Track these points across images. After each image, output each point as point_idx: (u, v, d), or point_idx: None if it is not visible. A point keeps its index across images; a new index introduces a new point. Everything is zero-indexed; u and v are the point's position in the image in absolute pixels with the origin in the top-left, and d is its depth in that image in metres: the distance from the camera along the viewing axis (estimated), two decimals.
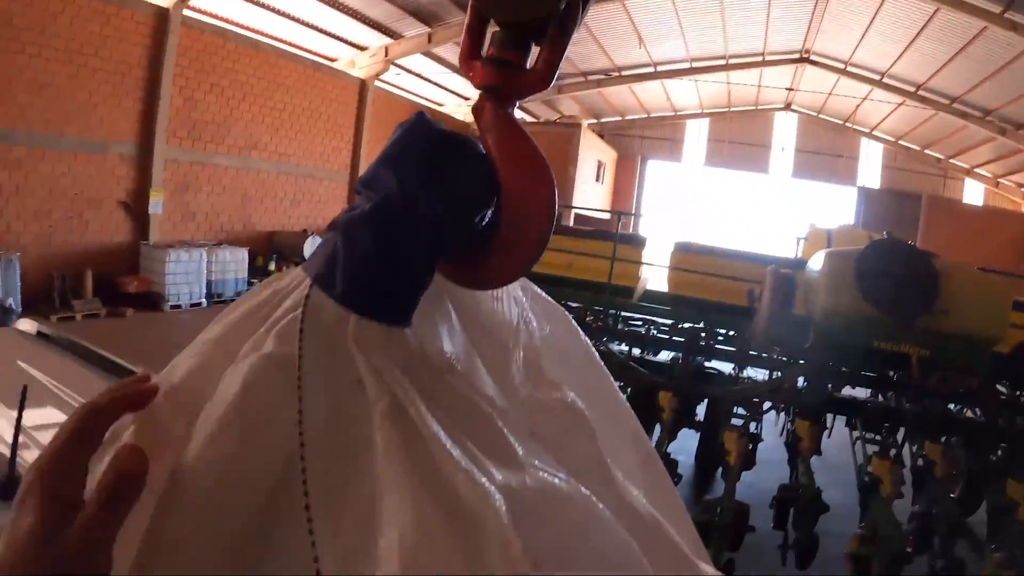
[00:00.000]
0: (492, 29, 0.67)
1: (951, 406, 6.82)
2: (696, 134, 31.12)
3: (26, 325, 2.80)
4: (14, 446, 1.55)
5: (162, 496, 0.52)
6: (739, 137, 30.38)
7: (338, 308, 0.58)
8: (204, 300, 13.45)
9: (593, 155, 26.77)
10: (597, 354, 0.84)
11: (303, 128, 17.18)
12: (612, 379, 0.85)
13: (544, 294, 0.84)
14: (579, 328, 0.85)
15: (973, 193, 28.14)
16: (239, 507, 0.54)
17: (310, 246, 15.47)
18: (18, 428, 1.55)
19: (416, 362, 0.60)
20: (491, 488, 0.53)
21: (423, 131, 0.62)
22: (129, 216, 13.07)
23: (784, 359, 6.96)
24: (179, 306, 12.93)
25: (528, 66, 0.66)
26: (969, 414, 6.86)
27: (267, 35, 15.88)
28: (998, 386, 7.20)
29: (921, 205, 27.75)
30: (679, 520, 0.81)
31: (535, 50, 0.66)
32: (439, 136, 0.62)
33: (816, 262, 6.51)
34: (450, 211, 0.61)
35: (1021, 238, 26.45)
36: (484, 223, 0.63)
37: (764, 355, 7.00)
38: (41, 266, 11.46)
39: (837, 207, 28.18)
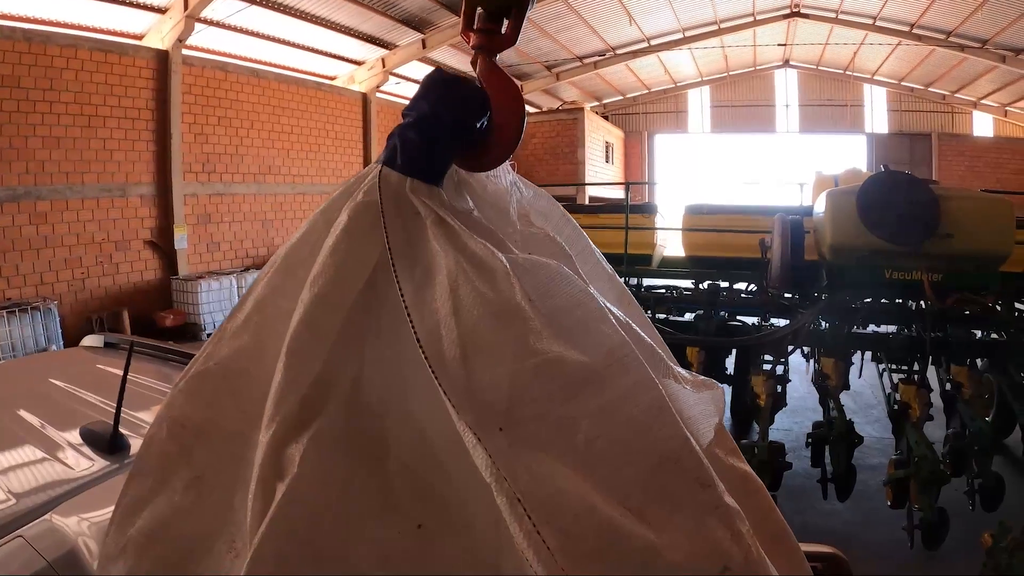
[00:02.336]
0: (479, 11, 1.08)
1: (975, 332, 6.94)
2: (699, 103, 31.10)
3: (92, 340, 3.08)
4: (118, 407, 1.79)
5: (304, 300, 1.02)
6: (742, 100, 30.32)
7: (399, 175, 1.00)
8: None
9: (600, 137, 26.84)
10: (571, 217, 1.25)
11: (313, 148, 17.52)
12: (586, 235, 1.25)
13: (529, 183, 1.25)
14: (554, 199, 1.25)
15: (982, 125, 27.83)
16: (352, 290, 1.00)
17: None
18: (123, 389, 1.79)
19: (448, 205, 1.03)
20: (498, 253, 0.95)
21: (439, 76, 1.04)
22: (157, 254, 13.46)
23: (802, 303, 7.10)
24: None
25: (503, 31, 1.07)
26: (994, 336, 6.96)
27: (266, 63, 16.23)
28: (1017, 304, 7.32)
29: (932, 144, 27.57)
30: (655, 339, 1.14)
31: (507, 22, 1.08)
32: (450, 78, 1.04)
33: (820, 205, 6.67)
34: (460, 119, 1.02)
35: None
36: (481, 128, 1.04)
37: (783, 302, 7.14)
38: (78, 311, 11.88)
39: (848, 156, 28.04)
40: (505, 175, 1.21)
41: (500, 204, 1.18)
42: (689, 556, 1.03)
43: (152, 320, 12.68)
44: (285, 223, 16.65)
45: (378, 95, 19.59)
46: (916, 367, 6.23)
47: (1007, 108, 26.46)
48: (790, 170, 27.28)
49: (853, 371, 6.65)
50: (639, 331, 1.14)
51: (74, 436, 1.90)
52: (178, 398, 1.14)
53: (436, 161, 1.03)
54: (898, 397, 5.84)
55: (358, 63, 18.49)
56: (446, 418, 1.05)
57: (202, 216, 14.46)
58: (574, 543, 1.04)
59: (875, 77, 28.06)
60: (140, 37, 13.28)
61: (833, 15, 22.40)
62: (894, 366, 6.52)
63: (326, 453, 1.06)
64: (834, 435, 5.62)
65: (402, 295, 1.04)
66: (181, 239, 13.79)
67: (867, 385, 7.06)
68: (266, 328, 1.26)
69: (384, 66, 18.61)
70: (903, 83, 27.59)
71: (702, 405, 1.51)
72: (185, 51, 13.66)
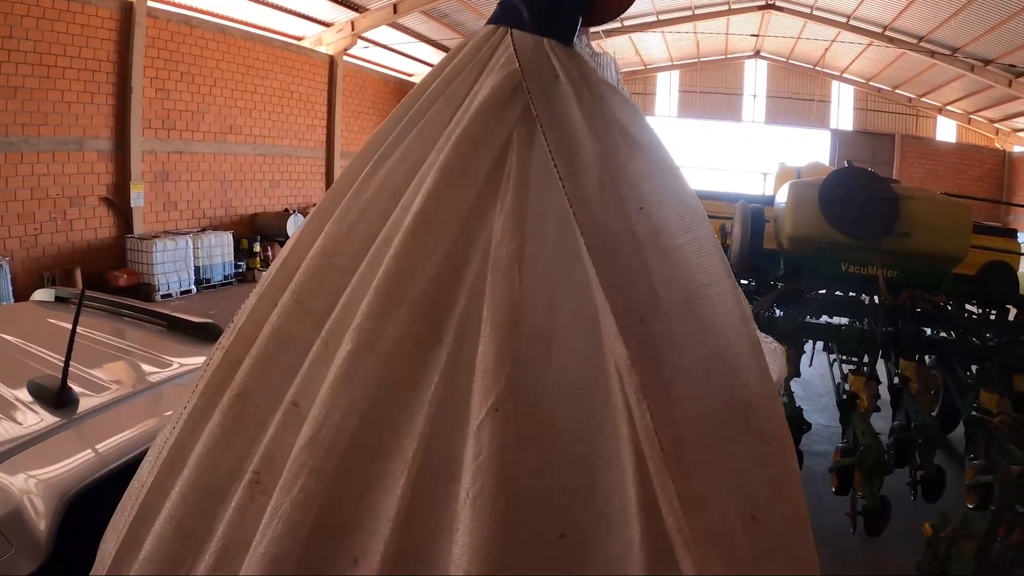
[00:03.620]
0: None
1: (925, 329, 7.11)
2: (667, 87, 31.16)
3: (43, 295, 3.00)
4: (67, 361, 1.74)
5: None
6: (710, 87, 30.45)
7: (534, 37, 1.01)
8: (193, 287, 13.59)
9: None
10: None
11: (276, 109, 17.20)
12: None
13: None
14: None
15: (945, 130, 28.36)
16: (485, 165, 1.14)
17: (292, 225, 15.58)
18: (71, 343, 1.74)
19: (588, 68, 1.10)
20: (646, 125, 1.13)
21: None
22: (112, 211, 13.13)
23: (758, 291, 7.20)
24: (170, 295, 13.06)
25: None
26: (943, 334, 7.14)
27: (233, 19, 15.83)
28: (967, 306, 7.52)
29: (895, 144, 28.02)
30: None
31: None
32: None
33: (782, 195, 6.76)
34: None
35: (994, 172, 26.91)
36: None
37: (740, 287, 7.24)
38: (30, 268, 11.55)
39: (811, 151, 28.40)
40: (610, 67, 1.25)
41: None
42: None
43: (105, 279, 12.40)
44: (244, 184, 16.35)
45: (345, 59, 19.27)
46: (866, 359, 6.36)
47: (971, 116, 27.00)
48: (754, 159, 27.61)
49: (804, 360, 6.78)
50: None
51: (22, 391, 1.85)
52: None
53: (568, 15, 1.00)
54: (847, 387, 5.98)
55: (327, 24, 18.13)
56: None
57: (160, 174, 14.14)
58: (681, 449, 1.13)
59: (844, 75, 28.39)
60: None
61: (808, 10, 22.56)
62: (844, 357, 6.66)
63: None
64: None
65: (556, 168, 1.08)
66: (138, 197, 13.47)
67: (817, 375, 7.20)
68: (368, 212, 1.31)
69: (353, 29, 18.26)
70: (871, 83, 27.96)
71: (771, 356, 1.59)
72: (150, 3, 13.25)
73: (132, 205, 13.35)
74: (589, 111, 1.20)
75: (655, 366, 1.20)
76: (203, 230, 14.60)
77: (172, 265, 13.17)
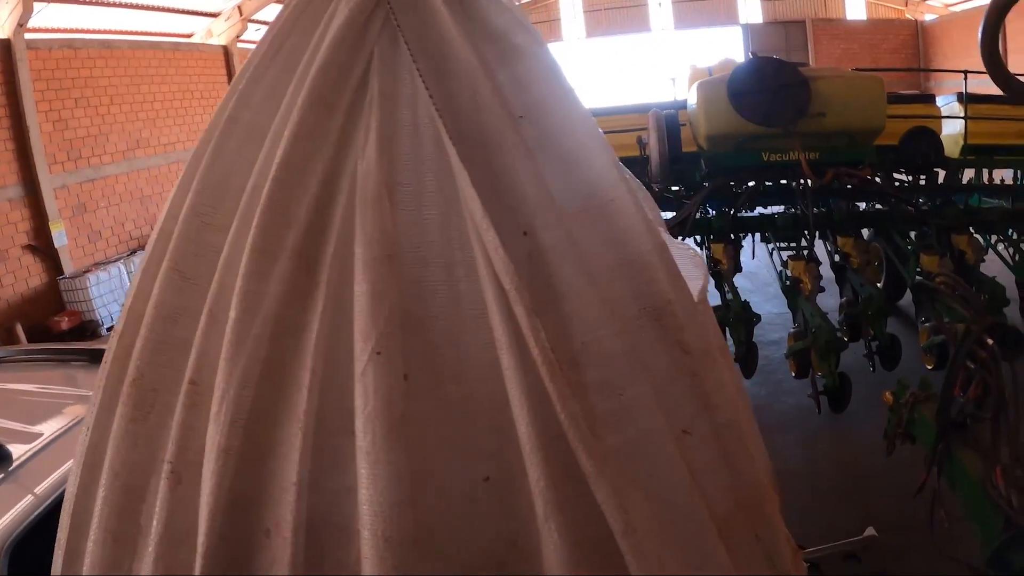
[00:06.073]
0: None
1: (859, 204, 7.22)
2: (571, 10, 30.66)
3: None
4: None
5: None
6: (614, 2, 30.06)
7: None
8: None
9: None
10: None
11: (180, 112, 16.63)
12: None
13: None
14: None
15: (855, 8, 28.38)
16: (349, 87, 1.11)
17: None
18: None
19: None
20: (529, 28, 1.16)
21: None
22: (38, 256, 12.71)
23: (686, 195, 7.22)
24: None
25: None
26: (878, 206, 7.24)
27: (117, 32, 15.22)
28: (897, 176, 7.65)
29: (807, 30, 28.11)
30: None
31: None
32: None
33: (693, 97, 6.75)
34: None
35: (909, 43, 27.18)
36: None
37: (668, 195, 7.23)
38: None
39: (725, 50, 28.33)
40: None
41: None
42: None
43: (48, 327, 12.03)
44: (164, 195, 15.88)
45: (239, 45, 18.63)
46: (804, 243, 6.44)
47: None
48: (668, 68, 27.44)
49: (748, 253, 6.84)
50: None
51: None
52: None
53: None
54: (788, 273, 6.05)
55: (214, 15, 17.47)
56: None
57: (77, 207, 13.67)
58: (587, 367, 1.10)
59: None
60: None
61: None
62: (782, 244, 6.73)
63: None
64: (732, 317, 5.77)
65: (423, 80, 1.05)
66: (60, 236, 13.03)
67: (763, 265, 7.29)
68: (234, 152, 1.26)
69: (241, 14, 17.66)
70: None
71: (689, 264, 1.54)
72: (28, 35, 12.63)
73: (56, 246, 12.91)
74: (459, 18, 1.15)
75: (548, 280, 1.15)
76: (133, 252, 14.22)
77: (110, 296, 12.83)
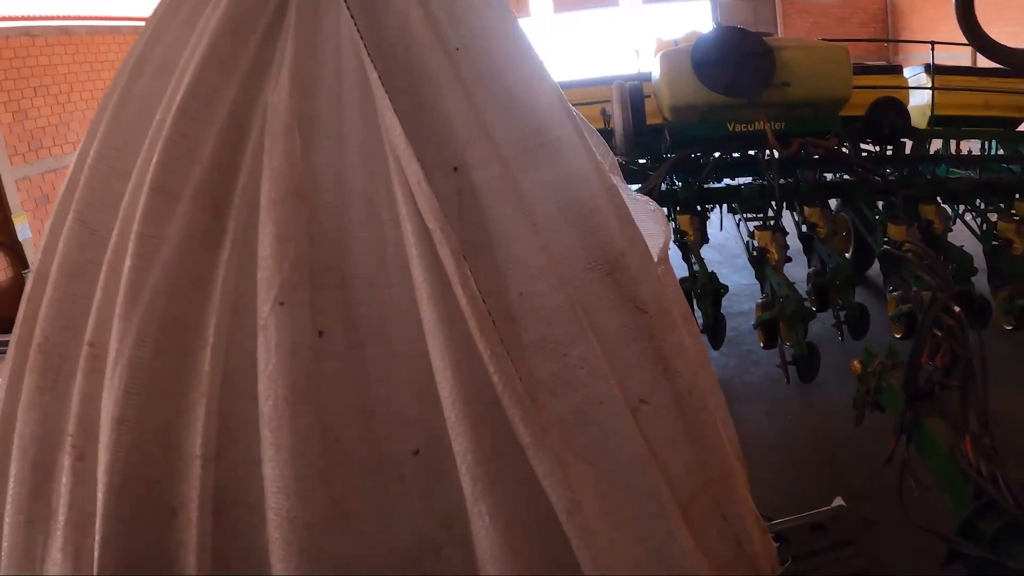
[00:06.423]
0: None
1: (825, 175, 7.21)
2: None
3: None
4: None
5: None
6: None
7: None
8: None
9: None
10: None
11: None
12: None
13: None
14: None
15: None
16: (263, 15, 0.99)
17: None
18: None
19: None
20: None
21: None
22: (2, 251, 12.45)
23: (652, 167, 7.15)
24: None
25: None
26: (845, 177, 7.23)
27: (75, 17, 14.87)
28: (863, 145, 7.64)
29: (775, 4, 28.05)
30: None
31: None
32: None
33: (657, 68, 6.68)
34: None
35: (878, 18, 27.22)
36: None
37: (633, 167, 7.15)
38: None
39: (694, 23, 28.15)
40: None
41: None
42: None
43: (14, 320, 11.78)
44: None
45: None
46: (771, 214, 6.41)
47: None
48: (635, 42, 27.11)
49: (715, 224, 6.80)
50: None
51: None
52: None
53: None
54: (755, 244, 6.02)
55: None
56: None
57: (40, 198, 13.38)
58: (527, 323, 0.97)
59: None
60: None
61: None
62: (749, 215, 6.70)
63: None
64: (699, 288, 5.72)
65: (352, 15, 0.95)
66: (23, 229, 12.74)
67: (731, 236, 7.26)
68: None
69: None
70: None
71: (649, 220, 1.43)
72: None
73: (20, 239, 12.65)
74: None
75: (481, 223, 1.04)
76: None
77: None
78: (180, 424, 1.00)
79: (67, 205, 1.17)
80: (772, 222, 6.16)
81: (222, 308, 1.01)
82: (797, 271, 6.01)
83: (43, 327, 1.13)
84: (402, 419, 1.00)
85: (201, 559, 0.95)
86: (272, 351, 0.95)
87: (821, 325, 5.78)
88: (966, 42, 4.56)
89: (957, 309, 2.71)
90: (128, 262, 1.02)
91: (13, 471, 1.11)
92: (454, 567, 0.97)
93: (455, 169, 1.02)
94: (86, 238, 1.13)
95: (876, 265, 7.32)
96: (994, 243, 6.16)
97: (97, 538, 0.97)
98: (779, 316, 5.33)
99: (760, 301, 5.72)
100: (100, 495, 0.98)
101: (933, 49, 7.61)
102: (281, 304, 0.95)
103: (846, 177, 7.03)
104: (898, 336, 5.45)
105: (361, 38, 1.00)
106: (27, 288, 1.17)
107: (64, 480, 1.06)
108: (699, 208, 6.58)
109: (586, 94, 7.94)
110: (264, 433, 0.93)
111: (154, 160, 1.04)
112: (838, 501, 3.22)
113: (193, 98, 1.04)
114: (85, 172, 1.15)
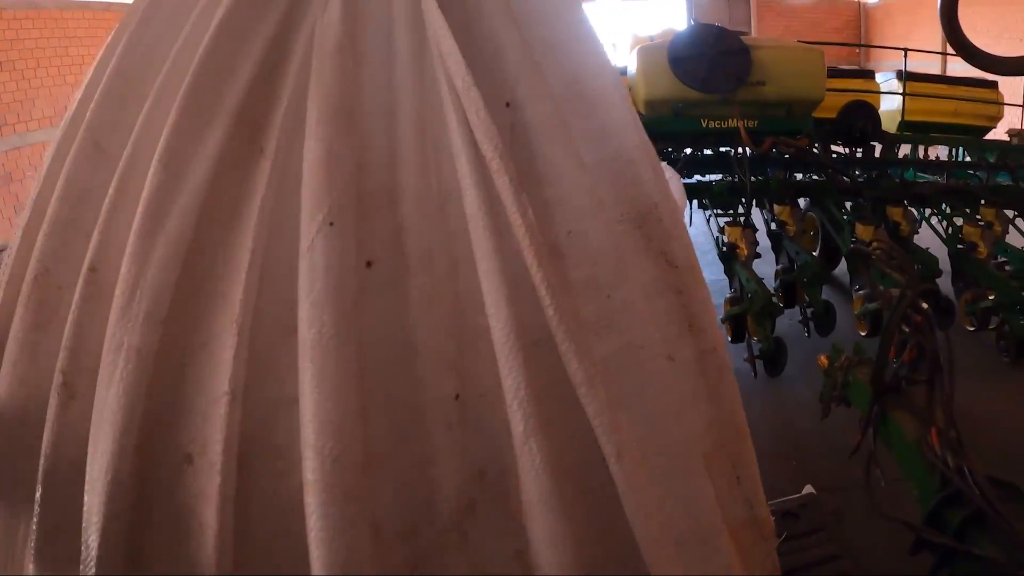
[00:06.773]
0: None
1: (796, 175, 7.29)
2: None
3: None
4: None
5: None
6: None
7: None
8: None
9: None
10: None
11: None
12: None
13: None
14: None
15: None
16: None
17: None
18: None
19: None
20: None
21: None
22: None
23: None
24: None
25: None
26: (814, 177, 7.33)
27: None
28: (833, 147, 7.75)
29: (750, 5, 28.25)
30: None
31: None
32: None
33: (632, 62, 6.71)
34: None
35: (852, 24, 27.57)
36: None
37: None
38: None
39: (668, 21, 28.23)
40: None
41: None
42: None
43: None
44: None
45: None
46: (741, 210, 6.48)
47: None
48: (610, 37, 27.20)
49: (686, 219, 6.84)
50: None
51: None
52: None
53: None
54: (725, 239, 6.08)
55: None
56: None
57: (3, 177, 13.08)
58: (568, 261, 0.96)
59: None
60: None
61: None
62: (720, 212, 6.76)
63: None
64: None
65: None
66: None
67: (700, 232, 7.31)
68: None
69: None
70: None
71: (676, 185, 1.43)
72: None
73: None
74: None
75: (531, 159, 1.00)
76: None
77: None
78: (203, 358, 0.92)
79: (75, 128, 1.09)
80: (742, 219, 6.22)
81: (259, 232, 0.94)
82: (765, 268, 6.08)
83: (42, 256, 1.03)
84: (442, 360, 0.94)
85: (224, 509, 0.87)
86: (319, 275, 0.87)
87: (788, 322, 5.86)
88: (938, 50, 4.65)
89: (925, 306, 2.75)
90: (152, 180, 0.95)
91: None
92: (488, 522, 0.92)
93: (507, 104, 0.98)
94: (96, 159, 1.06)
95: (842, 265, 7.47)
96: (959, 247, 6.32)
97: (102, 489, 0.87)
98: (747, 311, 5.39)
99: (728, 296, 5.78)
100: (109, 439, 0.87)
101: (906, 56, 7.72)
102: (331, 224, 0.88)
103: (816, 177, 7.13)
104: (863, 334, 5.55)
105: None
106: (22, 219, 1.09)
107: (48, 423, 0.96)
108: None
109: None
110: (304, 364, 0.85)
111: (185, 81, 0.97)
112: (808, 489, 3.26)
113: (233, 15, 0.98)
114: (100, 90, 1.08)
